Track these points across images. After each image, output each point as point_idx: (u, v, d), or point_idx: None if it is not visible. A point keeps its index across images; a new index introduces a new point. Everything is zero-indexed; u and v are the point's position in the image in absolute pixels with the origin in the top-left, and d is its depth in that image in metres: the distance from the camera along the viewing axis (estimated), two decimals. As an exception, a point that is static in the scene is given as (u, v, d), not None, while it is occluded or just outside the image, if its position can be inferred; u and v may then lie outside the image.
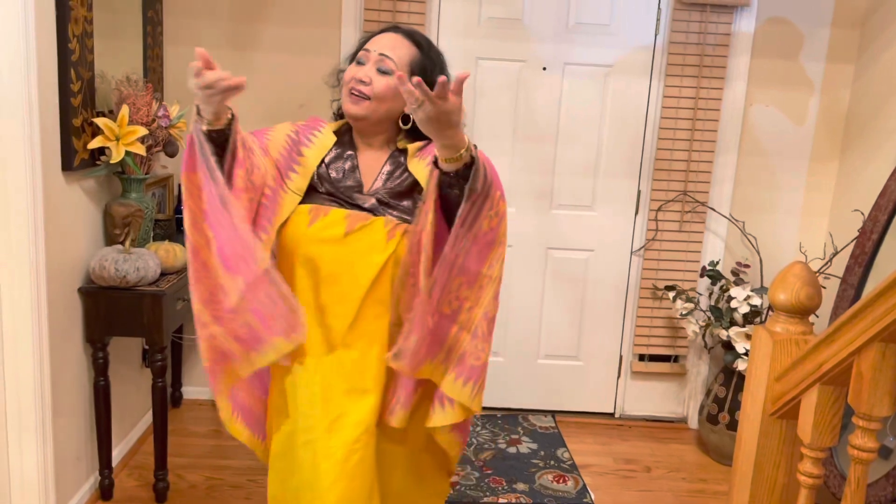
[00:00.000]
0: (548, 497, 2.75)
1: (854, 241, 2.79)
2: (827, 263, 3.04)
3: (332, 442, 1.55)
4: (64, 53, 2.16)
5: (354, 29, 3.06)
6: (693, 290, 3.26)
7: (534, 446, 3.15)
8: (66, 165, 2.23)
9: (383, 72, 1.61)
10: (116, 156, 2.32)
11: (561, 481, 2.88)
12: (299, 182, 1.64)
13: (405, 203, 1.63)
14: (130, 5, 2.70)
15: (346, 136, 1.72)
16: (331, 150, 1.70)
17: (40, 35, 2.05)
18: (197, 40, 3.06)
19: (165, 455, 2.54)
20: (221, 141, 1.48)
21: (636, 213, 3.32)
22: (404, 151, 1.68)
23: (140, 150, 2.36)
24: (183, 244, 2.62)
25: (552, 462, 3.03)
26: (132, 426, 2.91)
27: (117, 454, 2.71)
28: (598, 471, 3.01)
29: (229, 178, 1.49)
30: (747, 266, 3.16)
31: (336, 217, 1.60)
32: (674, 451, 3.23)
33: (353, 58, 1.68)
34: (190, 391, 3.37)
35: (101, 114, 2.39)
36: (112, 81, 2.48)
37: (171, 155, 2.60)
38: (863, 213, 2.83)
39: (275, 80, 3.12)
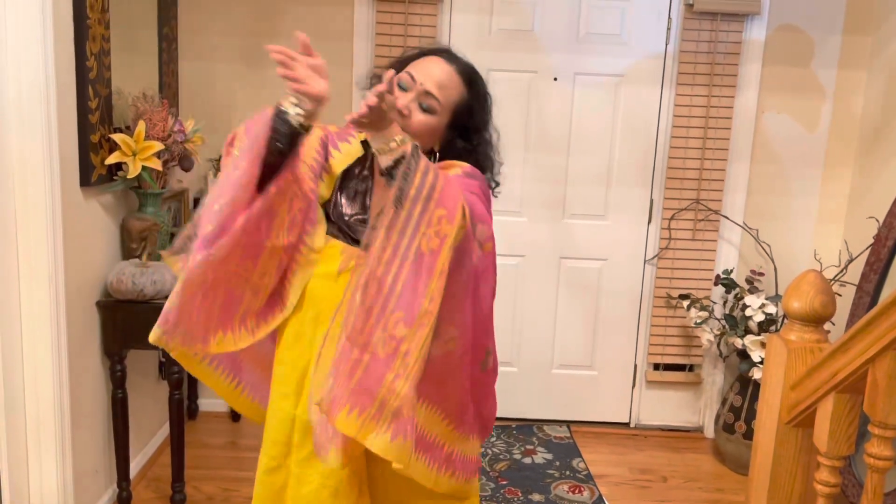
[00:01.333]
0: (563, 507, 2.75)
1: (869, 249, 2.77)
2: (842, 271, 3.02)
3: (308, 471, 1.53)
4: (82, 71, 2.20)
5: (367, 42, 3.09)
6: (707, 298, 3.25)
7: (549, 457, 3.15)
8: (84, 181, 2.26)
9: (425, 109, 1.51)
10: (133, 171, 2.35)
11: (577, 492, 2.87)
12: (323, 190, 1.56)
13: None
14: (146, 22, 2.74)
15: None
16: (356, 162, 1.60)
17: (59, 53, 2.08)
18: (211, 56, 3.10)
19: (182, 467, 2.56)
20: (289, 142, 1.40)
21: (649, 221, 3.32)
22: None
23: (156, 164, 2.39)
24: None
25: (568, 472, 3.02)
26: (149, 438, 2.94)
27: (135, 466, 2.73)
28: (614, 481, 3.00)
29: (270, 179, 1.42)
30: (762, 274, 3.15)
31: (333, 251, 1.53)
32: (690, 461, 3.21)
33: (397, 68, 1.55)
34: (206, 403, 3.39)
35: (118, 130, 2.42)
36: (128, 98, 2.51)
37: (187, 169, 2.63)
38: (878, 220, 2.81)
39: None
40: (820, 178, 3.27)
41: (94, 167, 2.29)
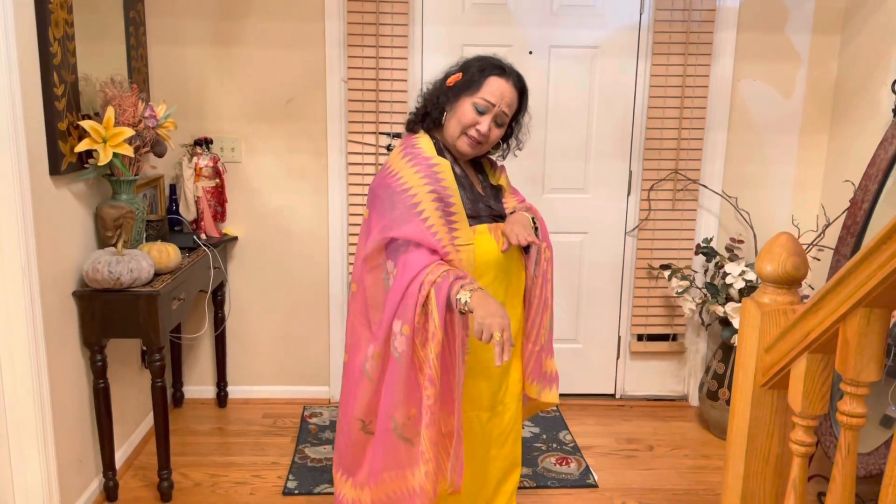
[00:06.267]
0: (551, 479, 2.77)
1: (846, 212, 2.79)
2: (820, 235, 3.04)
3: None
4: (46, 57, 2.16)
5: (339, 21, 3.05)
6: (688, 267, 3.26)
7: (536, 430, 3.16)
8: (54, 170, 2.23)
9: (499, 124, 1.90)
10: (104, 158, 2.32)
11: (564, 463, 2.89)
12: (463, 229, 1.84)
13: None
14: (111, 6, 2.69)
15: (445, 153, 1.93)
16: (455, 177, 1.89)
17: (20, 40, 2.05)
18: (181, 38, 3.05)
19: (168, 455, 2.56)
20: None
21: (628, 193, 3.32)
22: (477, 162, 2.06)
23: (128, 151, 2.36)
24: (177, 245, 2.63)
25: (555, 445, 3.04)
26: (134, 427, 2.93)
27: (120, 456, 2.73)
28: (601, 451, 3.02)
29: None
30: (741, 241, 3.17)
31: (483, 237, 1.91)
32: (675, 429, 3.24)
33: (468, 87, 1.86)
34: (191, 390, 3.38)
35: (86, 116, 2.39)
36: (96, 83, 2.48)
37: (160, 155, 2.60)
38: (853, 184, 2.83)
39: (261, 76, 3.12)
40: (796, 145, 3.28)
41: (63, 155, 2.26)
